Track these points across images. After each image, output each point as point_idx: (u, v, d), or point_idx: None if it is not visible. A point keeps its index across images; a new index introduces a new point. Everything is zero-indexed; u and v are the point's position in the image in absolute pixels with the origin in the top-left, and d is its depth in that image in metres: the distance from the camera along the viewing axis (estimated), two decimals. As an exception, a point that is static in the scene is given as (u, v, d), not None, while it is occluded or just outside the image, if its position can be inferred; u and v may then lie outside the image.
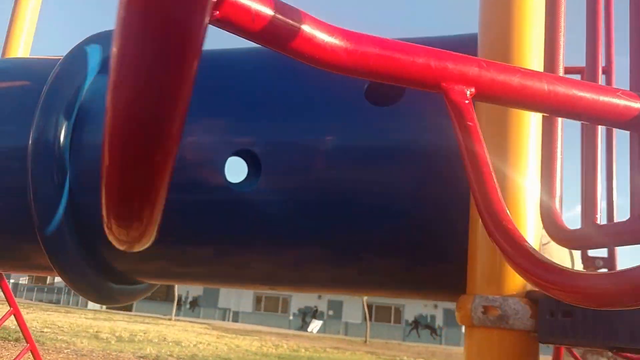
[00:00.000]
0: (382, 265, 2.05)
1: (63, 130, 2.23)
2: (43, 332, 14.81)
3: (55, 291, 47.10)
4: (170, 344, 15.53)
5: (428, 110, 1.95)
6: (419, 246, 1.98)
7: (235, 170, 2.17)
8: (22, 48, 3.80)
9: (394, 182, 1.92)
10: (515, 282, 1.46)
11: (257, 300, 45.42)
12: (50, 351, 11.18)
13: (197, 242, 2.18)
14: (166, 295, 45.70)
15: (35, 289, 45.97)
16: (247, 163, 2.10)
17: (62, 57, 2.39)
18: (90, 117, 2.27)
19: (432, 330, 41.89)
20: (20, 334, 11.46)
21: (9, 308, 4.46)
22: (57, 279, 48.22)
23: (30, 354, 4.58)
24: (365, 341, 32.90)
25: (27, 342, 4.50)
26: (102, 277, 2.36)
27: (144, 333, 17.93)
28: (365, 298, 35.84)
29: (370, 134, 1.98)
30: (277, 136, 2.04)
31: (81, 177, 2.22)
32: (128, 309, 45.35)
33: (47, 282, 48.27)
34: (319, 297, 43.64)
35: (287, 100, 2.09)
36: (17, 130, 2.33)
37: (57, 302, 44.87)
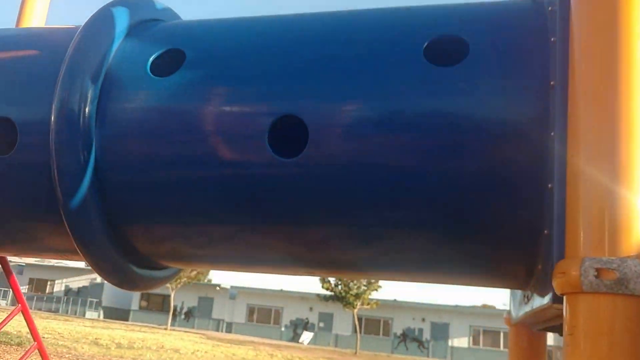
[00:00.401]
0: (445, 245, 1.79)
1: (89, 97, 1.94)
2: (44, 337, 14.28)
3: (54, 300, 46.24)
4: (169, 351, 15.08)
5: (497, 70, 1.68)
6: (491, 222, 1.70)
7: (280, 139, 1.90)
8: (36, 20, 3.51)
9: (461, 151, 1.62)
10: (634, 241, 1.19)
11: (250, 311, 44.78)
12: (52, 356, 10.74)
13: (225, 218, 1.90)
14: (162, 306, 44.99)
15: (35, 297, 45.11)
16: (291, 131, 1.85)
17: (83, 24, 2.13)
18: (118, 82, 1.95)
19: (420, 343, 41.40)
20: (22, 339, 11.04)
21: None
22: (57, 288, 47.40)
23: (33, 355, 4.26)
24: (356, 353, 32.36)
25: (34, 340, 4.16)
26: (125, 259, 2.08)
27: (142, 340, 17.43)
28: (355, 311, 35.38)
29: (431, 97, 1.69)
30: (327, 101, 1.76)
31: (108, 148, 1.92)
32: (125, 318, 44.54)
33: (47, 291, 47.40)
34: (310, 309, 43.09)
35: (337, 62, 1.81)
36: (38, 99, 2.01)
37: (56, 310, 44.04)
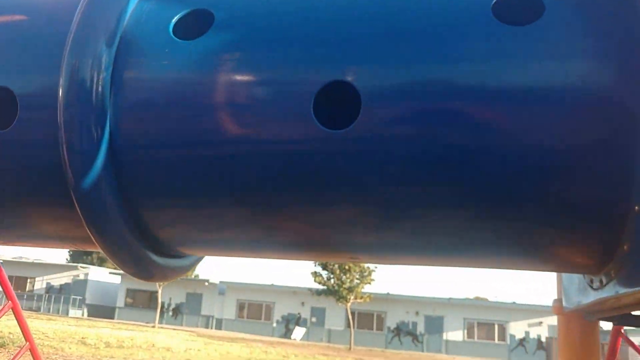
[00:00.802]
0: (521, 228, 1.61)
1: (103, 63, 1.74)
2: (27, 337, 14.00)
3: (35, 298, 45.72)
4: (160, 349, 14.89)
5: (577, 30, 1.50)
6: (567, 200, 1.54)
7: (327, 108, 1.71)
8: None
9: (536, 123, 1.46)
10: None
11: (240, 307, 44.63)
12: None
13: (256, 199, 1.72)
14: (149, 303, 44.71)
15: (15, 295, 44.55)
16: (342, 99, 1.66)
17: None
18: (136, 46, 1.74)
19: (414, 337, 41.52)
20: (5, 339, 10.76)
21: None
22: (37, 286, 46.90)
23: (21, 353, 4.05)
24: (350, 348, 32.38)
25: (26, 340, 3.94)
26: (143, 246, 1.89)
27: (131, 339, 17.20)
28: (349, 305, 35.37)
29: (501, 61, 1.51)
30: (383, 65, 1.57)
31: (125, 123, 1.72)
32: (110, 316, 44.20)
33: (27, 289, 46.88)
34: (302, 304, 43.04)
35: (393, 21, 1.62)
36: (42, 65, 1.79)
37: (37, 309, 43.61)
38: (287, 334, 42.20)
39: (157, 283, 34.21)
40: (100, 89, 1.71)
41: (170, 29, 1.76)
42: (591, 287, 1.91)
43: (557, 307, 2.50)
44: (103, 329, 23.01)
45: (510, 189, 1.53)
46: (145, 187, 1.79)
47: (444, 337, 41.38)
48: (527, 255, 1.79)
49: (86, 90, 1.70)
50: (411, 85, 1.56)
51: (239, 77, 1.67)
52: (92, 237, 1.80)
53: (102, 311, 45.19)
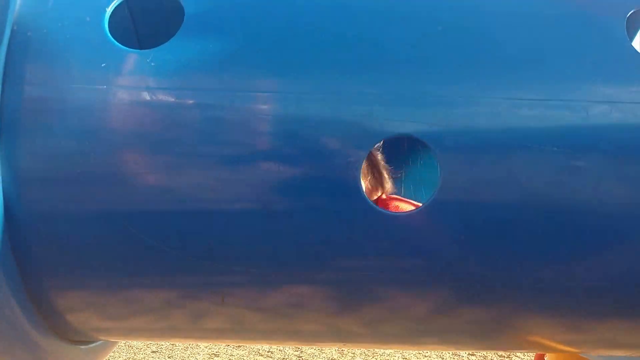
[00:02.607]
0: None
1: None
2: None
3: None
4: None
5: None
6: None
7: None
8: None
9: None
10: None
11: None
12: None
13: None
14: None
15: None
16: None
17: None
18: (41, 51, 1.17)
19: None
20: None
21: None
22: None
23: None
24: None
25: None
26: (47, 333, 1.43)
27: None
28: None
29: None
30: (465, 115, 1.15)
31: (24, 158, 1.17)
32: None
33: None
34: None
35: (481, 40, 1.19)
36: None
37: None
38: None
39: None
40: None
41: (105, 27, 1.15)
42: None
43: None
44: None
45: None
46: (52, 252, 1.33)
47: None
48: None
49: None
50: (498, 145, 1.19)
51: (233, 119, 1.18)
52: None
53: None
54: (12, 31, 1.17)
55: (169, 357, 4.44)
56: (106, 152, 1.15)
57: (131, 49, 1.16)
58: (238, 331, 1.50)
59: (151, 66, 1.14)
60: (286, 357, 4.25)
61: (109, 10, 1.20)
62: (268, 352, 4.28)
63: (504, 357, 4.59)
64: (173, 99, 1.15)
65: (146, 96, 1.15)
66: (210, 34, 1.19)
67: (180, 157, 1.16)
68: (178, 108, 1.15)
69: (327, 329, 1.41)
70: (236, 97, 1.15)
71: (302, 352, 4.30)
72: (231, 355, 4.39)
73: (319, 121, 1.14)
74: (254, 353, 4.31)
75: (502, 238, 1.19)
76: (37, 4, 1.22)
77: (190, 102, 1.14)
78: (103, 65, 1.14)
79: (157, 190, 1.17)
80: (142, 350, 4.56)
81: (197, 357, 4.47)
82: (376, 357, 4.46)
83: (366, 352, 4.48)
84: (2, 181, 1.14)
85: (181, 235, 1.20)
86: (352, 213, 1.16)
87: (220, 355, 4.41)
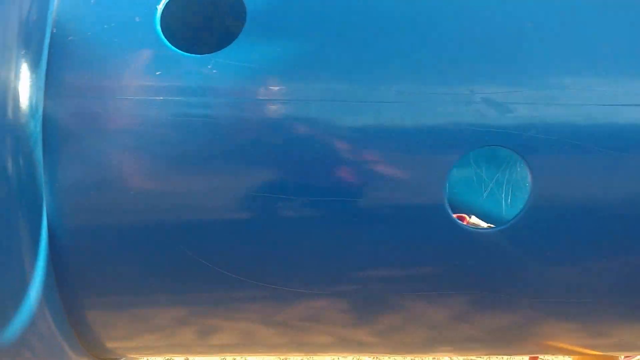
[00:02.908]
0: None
1: (26, 79, 1.00)
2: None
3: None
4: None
5: None
6: None
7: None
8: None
9: None
10: None
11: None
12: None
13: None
14: None
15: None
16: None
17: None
18: (82, 56, 1.06)
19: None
20: None
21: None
22: None
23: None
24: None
25: None
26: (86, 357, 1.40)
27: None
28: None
29: None
30: (553, 121, 1.12)
31: (66, 178, 1.08)
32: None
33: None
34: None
35: (580, 38, 1.18)
36: None
37: None
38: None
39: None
40: (21, 122, 0.98)
41: (157, 28, 1.04)
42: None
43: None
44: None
45: None
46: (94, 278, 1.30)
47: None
48: None
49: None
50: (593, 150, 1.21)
51: (304, 131, 1.10)
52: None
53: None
54: (52, 35, 1.04)
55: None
56: (163, 170, 1.03)
57: (189, 54, 1.04)
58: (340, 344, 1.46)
59: (212, 73, 1.01)
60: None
61: (160, 8, 1.07)
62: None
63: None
64: (236, 112, 1.03)
65: (204, 108, 1.02)
66: (277, 35, 1.07)
67: (228, 174, 1.09)
68: (240, 122, 1.03)
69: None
70: (310, 108, 1.03)
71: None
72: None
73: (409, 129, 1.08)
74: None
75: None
76: (77, 2, 1.09)
77: (256, 115, 1.02)
78: (158, 73, 1.01)
79: (211, 208, 1.08)
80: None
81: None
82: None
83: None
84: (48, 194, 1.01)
85: (227, 254, 1.15)
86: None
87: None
